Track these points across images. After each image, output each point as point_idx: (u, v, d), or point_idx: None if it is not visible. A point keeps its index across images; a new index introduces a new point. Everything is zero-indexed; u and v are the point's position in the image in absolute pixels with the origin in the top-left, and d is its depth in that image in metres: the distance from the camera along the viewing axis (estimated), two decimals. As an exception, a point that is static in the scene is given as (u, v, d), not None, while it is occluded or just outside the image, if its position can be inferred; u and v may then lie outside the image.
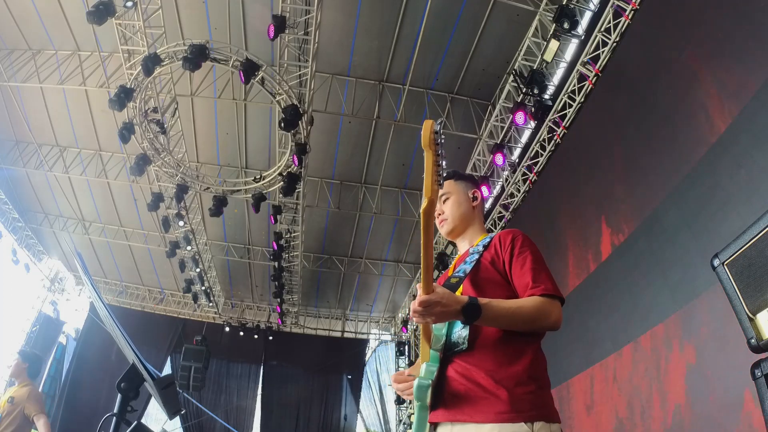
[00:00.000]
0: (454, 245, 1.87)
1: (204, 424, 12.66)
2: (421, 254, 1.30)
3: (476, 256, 1.59)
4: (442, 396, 1.39)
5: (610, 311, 5.12)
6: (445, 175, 1.69)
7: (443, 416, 1.38)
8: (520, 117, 7.03)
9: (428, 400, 1.37)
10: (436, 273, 10.02)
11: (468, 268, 1.56)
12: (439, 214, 1.77)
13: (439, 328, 1.49)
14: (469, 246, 1.72)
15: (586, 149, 6.32)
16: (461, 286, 1.56)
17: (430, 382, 1.37)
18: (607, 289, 5.23)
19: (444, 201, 1.78)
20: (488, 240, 1.64)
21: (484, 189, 8.20)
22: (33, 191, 11.44)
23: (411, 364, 13.06)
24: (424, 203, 1.25)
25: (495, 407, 1.30)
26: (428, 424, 1.41)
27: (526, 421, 1.28)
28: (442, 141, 1.21)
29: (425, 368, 1.41)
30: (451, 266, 1.74)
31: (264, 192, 8.95)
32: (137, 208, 11.23)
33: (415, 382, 1.38)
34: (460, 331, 1.45)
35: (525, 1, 6.92)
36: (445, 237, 1.82)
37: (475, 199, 1.79)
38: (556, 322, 1.40)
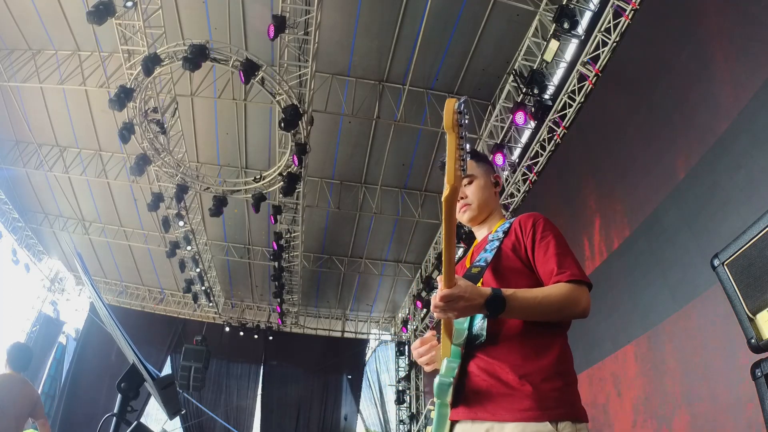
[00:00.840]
0: (468, 235, 1.78)
1: (204, 424, 12.66)
2: (443, 246, 1.21)
3: (497, 243, 1.49)
4: (463, 392, 1.31)
5: (610, 311, 5.12)
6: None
7: (464, 414, 1.31)
8: (520, 117, 7.02)
9: (449, 398, 1.30)
10: (437, 273, 10.03)
11: (489, 256, 1.45)
12: (462, 198, 1.63)
13: (461, 322, 1.38)
14: (488, 232, 1.61)
15: (586, 149, 6.32)
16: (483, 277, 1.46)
17: (452, 380, 1.29)
18: (607, 289, 5.22)
19: (466, 183, 1.63)
20: (508, 225, 1.54)
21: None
22: (33, 191, 11.44)
23: (411, 364, 13.06)
24: (446, 191, 1.12)
25: (519, 404, 1.23)
26: (448, 422, 1.34)
27: (551, 420, 1.20)
28: (467, 122, 1.09)
29: (446, 365, 1.32)
30: (469, 254, 1.64)
31: (264, 192, 8.95)
32: (137, 208, 11.23)
33: (436, 380, 1.30)
34: (481, 323, 1.36)
35: (525, 1, 6.92)
36: (466, 224, 1.68)
37: (497, 184, 1.68)
38: (585, 310, 1.33)
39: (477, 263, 1.47)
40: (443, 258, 1.22)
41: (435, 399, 1.33)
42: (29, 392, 3.73)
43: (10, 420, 3.52)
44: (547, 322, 1.35)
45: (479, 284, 1.38)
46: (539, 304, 1.30)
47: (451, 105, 1.08)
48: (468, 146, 1.12)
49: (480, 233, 1.67)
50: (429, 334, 1.51)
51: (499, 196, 1.71)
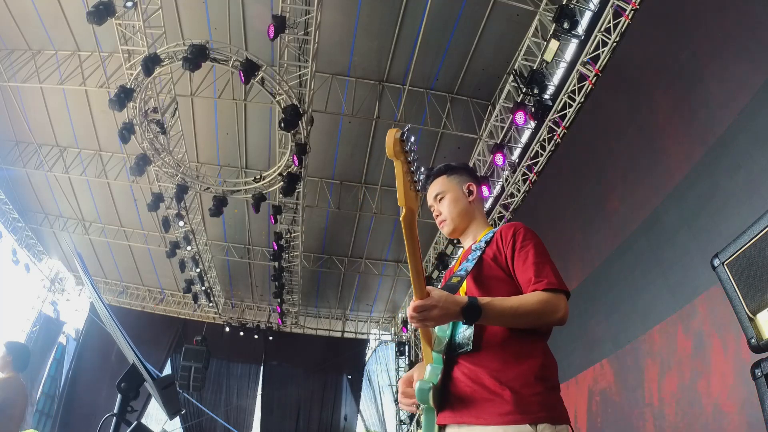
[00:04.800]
0: (457, 243, 1.84)
1: (204, 424, 12.65)
2: (409, 261, 1.26)
3: (478, 253, 1.53)
4: (449, 398, 1.37)
5: (610, 311, 5.12)
6: (430, 173, 1.71)
7: (450, 418, 1.36)
8: (520, 117, 7.02)
9: (431, 402, 1.34)
10: (436, 273, 10.02)
11: (470, 266, 1.51)
12: (438, 215, 1.72)
13: (444, 330, 1.46)
14: (472, 242, 1.66)
15: (586, 149, 6.32)
16: (464, 285, 1.52)
17: (431, 385, 1.34)
18: (607, 289, 5.22)
19: (440, 200, 1.72)
20: (491, 235, 1.58)
21: (484, 189, 8.20)
22: (33, 191, 11.44)
23: (411, 364, 13.06)
24: (402, 212, 1.19)
25: (501, 408, 1.27)
26: (436, 426, 1.39)
27: (530, 422, 1.24)
28: (413, 146, 1.15)
29: (429, 370, 1.39)
30: (456, 263, 1.69)
31: (264, 192, 8.94)
32: (137, 208, 11.22)
33: (416, 385, 1.35)
34: (465, 332, 1.42)
35: (525, 1, 6.92)
36: (448, 237, 1.76)
37: (470, 193, 1.71)
38: (563, 317, 1.36)
39: (458, 273, 1.52)
40: (411, 272, 1.27)
41: (420, 404, 1.37)
42: (26, 393, 3.76)
43: (12, 421, 3.55)
44: (528, 329, 1.38)
45: (462, 292, 1.46)
46: (515, 311, 1.33)
47: (390, 135, 1.13)
48: (423, 169, 1.19)
49: (465, 242, 1.72)
50: (408, 373, 1.54)
51: (479, 203, 1.74)
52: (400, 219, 1.20)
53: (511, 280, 1.47)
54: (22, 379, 3.78)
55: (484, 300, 1.31)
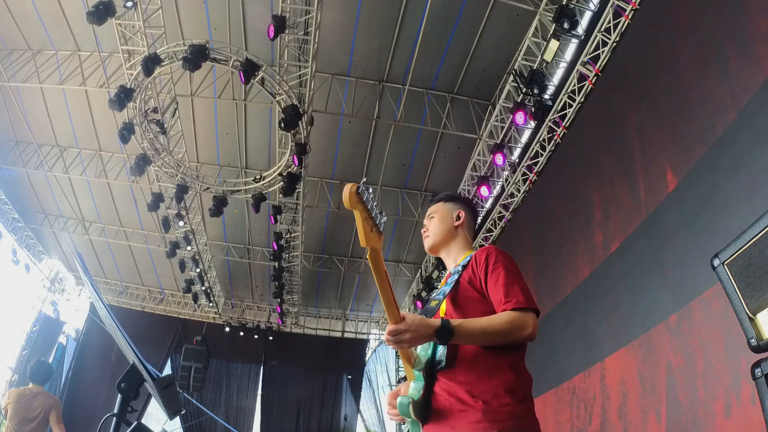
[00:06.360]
0: (441, 263, 1.94)
1: (204, 424, 12.66)
2: (380, 292, 1.39)
3: (456, 277, 1.68)
4: (431, 411, 1.49)
5: (610, 311, 5.12)
6: (433, 197, 1.99)
7: (433, 430, 1.48)
8: (520, 117, 7.02)
9: (412, 415, 1.46)
10: (436, 273, 10.03)
11: (447, 289, 1.66)
12: (425, 231, 1.92)
13: (425, 348, 1.59)
14: (453, 265, 1.81)
15: (586, 149, 6.32)
16: (443, 307, 1.67)
17: (410, 400, 1.46)
18: (607, 289, 5.22)
19: (430, 219, 1.92)
20: (467, 260, 1.72)
21: (484, 189, 8.21)
22: (33, 191, 11.44)
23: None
24: (368, 252, 1.33)
25: (472, 417, 1.39)
26: None
27: (498, 430, 1.35)
28: (370, 196, 1.27)
29: (412, 386, 1.52)
30: (441, 284, 1.84)
31: (264, 192, 8.95)
32: (137, 208, 11.23)
33: (398, 399, 1.48)
34: (442, 350, 1.55)
35: (525, 1, 6.92)
36: (427, 252, 1.94)
37: (458, 218, 1.89)
38: (532, 334, 1.47)
39: (436, 296, 1.70)
40: (382, 299, 1.41)
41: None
42: (46, 402, 4.08)
43: (30, 428, 3.86)
44: (500, 346, 1.50)
45: (441, 313, 1.64)
46: (484, 331, 1.45)
47: (346, 190, 1.23)
48: (382, 214, 1.34)
49: (448, 264, 1.88)
50: (396, 388, 1.70)
51: (465, 230, 1.90)
52: (367, 257, 1.35)
53: (486, 301, 1.60)
54: (39, 391, 4.10)
55: (455, 322, 1.43)
